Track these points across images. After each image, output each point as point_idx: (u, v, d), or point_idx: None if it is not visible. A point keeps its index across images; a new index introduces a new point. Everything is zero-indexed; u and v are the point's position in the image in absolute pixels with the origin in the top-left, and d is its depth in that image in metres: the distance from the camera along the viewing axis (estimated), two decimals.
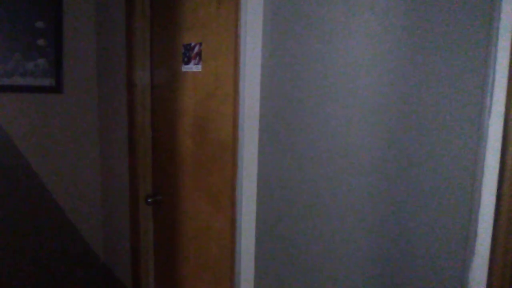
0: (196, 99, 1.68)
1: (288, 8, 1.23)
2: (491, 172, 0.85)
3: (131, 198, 2.17)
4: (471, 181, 0.87)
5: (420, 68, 0.95)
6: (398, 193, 1.00)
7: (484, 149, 0.85)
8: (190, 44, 1.69)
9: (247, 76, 1.32)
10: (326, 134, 1.15)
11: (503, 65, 0.82)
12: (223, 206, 1.56)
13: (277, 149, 1.30)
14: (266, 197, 1.35)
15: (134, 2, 1.99)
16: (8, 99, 2.27)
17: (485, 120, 0.85)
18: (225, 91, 1.50)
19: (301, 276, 1.26)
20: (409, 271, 0.99)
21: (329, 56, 1.13)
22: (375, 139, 1.04)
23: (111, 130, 2.42)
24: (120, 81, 2.18)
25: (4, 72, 2.24)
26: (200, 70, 1.64)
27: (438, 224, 0.93)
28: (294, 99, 1.23)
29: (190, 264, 1.83)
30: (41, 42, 2.33)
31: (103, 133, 2.54)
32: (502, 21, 0.83)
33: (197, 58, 1.64)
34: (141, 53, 2.03)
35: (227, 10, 1.45)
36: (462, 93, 0.88)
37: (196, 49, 1.65)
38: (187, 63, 1.71)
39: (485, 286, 0.83)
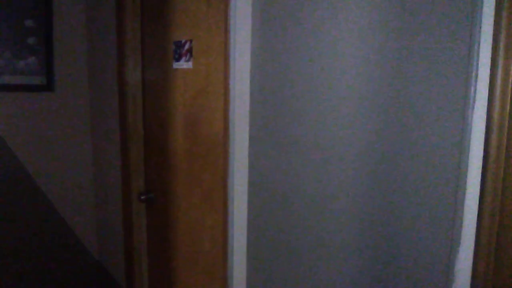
0: (187, 96, 1.69)
1: (277, 5, 1.24)
2: (475, 164, 0.87)
3: (124, 195, 2.17)
4: (456, 173, 0.89)
5: (406, 63, 0.96)
6: (385, 185, 1.02)
7: (469, 142, 0.87)
8: (180, 41, 1.69)
9: (237, 73, 1.33)
10: (316, 129, 1.17)
11: (485, 60, 0.84)
12: (215, 202, 1.57)
13: (268, 145, 1.31)
14: (257, 192, 1.36)
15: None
16: None
17: (469, 113, 0.87)
18: (216, 88, 1.50)
19: (292, 271, 1.28)
20: (396, 261, 1.01)
21: (317, 52, 1.14)
22: (363, 133, 1.06)
23: (103, 128, 2.41)
24: (112, 79, 2.18)
25: None
26: (191, 67, 1.64)
27: (425, 215, 0.94)
28: (284, 95, 1.24)
29: (183, 260, 1.84)
30: (31, 40, 2.32)
31: (95, 131, 2.53)
32: (484, 16, 0.84)
33: (188, 55, 1.65)
34: (132, 51, 2.03)
35: (217, 7, 1.46)
36: (446, 88, 0.90)
37: (187, 46, 1.65)
38: (178, 60, 1.71)
39: (470, 274, 0.85)
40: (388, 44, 0.99)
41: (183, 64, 1.68)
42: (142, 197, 2.03)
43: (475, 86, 0.86)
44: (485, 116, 0.85)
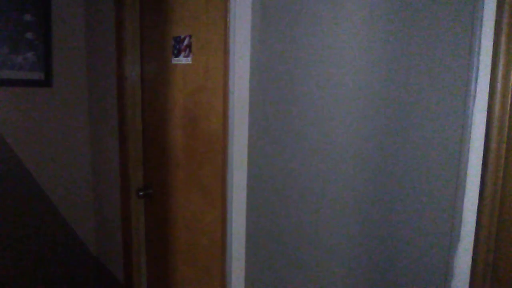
0: (186, 92, 1.68)
1: (277, 0, 1.23)
2: (475, 160, 0.86)
3: (122, 191, 2.17)
4: (456, 170, 0.89)
5: (406, 60, 0.96)
6: (384, 183, 1.02)
7: (469, 139, 0.87)
8: (180, 37, 1.68)
9: (236, 68, 1.33)
10: (315, 126, 1.16)
11: (486, 57, 0.83)
12: (214, 198, 1.57)
13: (267, 141, 1.30)
14: (256, 189, 1.36)
15: None
16: None
17: (469, 110, 0.87)
18: (215, 83, 1.50)
19: (291, 267, 1.28)
20: (396, 258, 1.01)
21: (318, 48, 1.14)
22: (363, 131, 1.06)
23: (102, 123, 2.41)
24: (110, 74, 2.17)
25: None
26: (190, 63, 1.63)
27: (424, 212, 0.94)
28: (284, 91, 1.24)
29: (181, 256, 1.84)
30: (29, 35, 2.31)
31: (93, 126, 2.53)
32: (486, 11, 0.84)
33: (187, 50, 1.64)
34: (131, 46, 2.02)
35: (217, 1, 1.45)
36: (447, 85, 0.90)
37: (186, 42, 1.64)
38: (177, 55, 1.70)
39: (469, 271, 0.85)
40: (388, 40, 0.99)
41: (182, 60, 1.68)
42: (141, 193, 2.03)
43: (476, 83, 0.86)
44: (485, 113, 0.84)
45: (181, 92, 1.71)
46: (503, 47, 0.83)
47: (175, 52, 1.71)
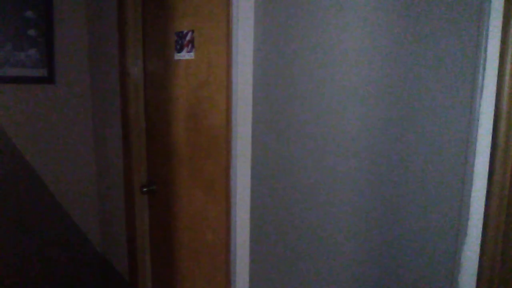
0: (189, 87, 1.68)
1: None
2: (482, 155, 0.85)
3: (126, 187, 2.17)
4: (463, 165, 0.88)
5: (412, 55, 0.95)
6: (390, 179, 1.01)
7: (476, 135, 0.86)
8: (182, 32, 1.67)
9: (240, 63, 1.32)
10: (320, 122, 1.15)
11: (494, 52, 0.82)
12: (218, 193, 1.56)
13: (271, 137, 1.30)
14: (260, 184, 1.35)
15: None
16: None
17: (477, 105, 0.85)
18: (218, 79, 1.49)
19: (295, 263, 1.28)
20: (402, 253, 1.00)
21: (322, 43, 1.13)
22: (368, 126, 1.05)
23: (105, 120, 2.40)
24: (113, 71, 2.17)
25: None
26: (193, 58, 1.63)
27: (431, 207, 0.94)
28: (287, 86, 1.23)
29: (185, 251, 1.84)
30: (31, 32, 2.30)
31: (96, 123, 2.53)
32: (493, 4, 0.83)
33: (190, 45, 1.63)
34: (133, 42, 2.01)
35: None
36: (453, 80, 0.88)
37: (189, 37, 1.63)
38: (180, 51, 1.69)
39: (477, 266, 0.84)
40: (394, 35, 0.98)
41: (185, 55, 1.67)
42: (144, 189, 2.03)
43: (483, 77, 0.84)
44: (493, 108, 0.83)
45: (184, 88, 1.71)
46: (511, 39, 0.81)
47: (178, 47, 1.71)
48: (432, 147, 0.92)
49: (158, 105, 1.95)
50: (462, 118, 0.88)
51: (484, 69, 0.84)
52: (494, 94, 0.82)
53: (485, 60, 0.83)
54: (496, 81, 0.82)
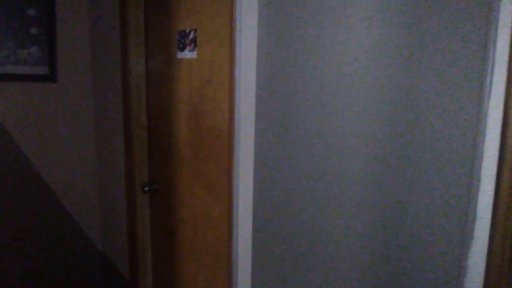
0: (191, 86, 1.66)
1: None
2: (490, 156, 0.84)
3: (127, 186, 2.16)
4: (470, 166, 0.87)
5: (420, 54, 0.93)
6: (396, 179, 1.00)
7: (483, 135, 0.84)
8: (185, 31, 1.66)
9: (243, 62, 1.30)
10: (324, 122, 1.14)
11: (503, 52, 0.80)
12: (220, 193, 1.55)
13: (274, 137, 1.28)
14: (262, 184, 1.34)
15: None
16: (1, 88, 2.24)
17: (484, 106, 0.84)
18: (220, 78, 1.48)
19: (298, 264, 1.26)
20: (408, 254, 0.99)
21: (327, 41, 1.11)
22: (374, 126, 1.03)
23: (107, 119, 2.39)
24: (115, 69, 2.16)
25: None
26: (195, 57, 1.61)
27: (437, 209, 0.92)
28: (291, 85, 1.22)
29: (187, 251, 1.83)
30: (33, 30, 2.29)
31: (98, 122, 2.52)
32: (503, 3, 0.81)
33: (192, 44, 1.62)
34: (135, 40, 2.00)
35: None
36: (461, 80, 0.87)
37: (191, 35, 1.62)
38: (182, 49, 1.68)
39: (484, 269, 0.83)
40: (401, 34, 0.96)
41: (188, 54, 1.65)
42: (146, 188, 2.02)
43: (491, 78, 0.83)
44: (502, 109, 0.82)
45: (186, 87, 1.69)
46: None
47: (180, 46, 1.69)
48: (439, 148, 0.91)
49: (160, 104, 1.94)
50: (469, 119, 0.86)
51: (492, 69, 0.82)
52: (503, 95, 0.81)
53: (493, 60, 0.82)
54: (504, 81, 0.80)
